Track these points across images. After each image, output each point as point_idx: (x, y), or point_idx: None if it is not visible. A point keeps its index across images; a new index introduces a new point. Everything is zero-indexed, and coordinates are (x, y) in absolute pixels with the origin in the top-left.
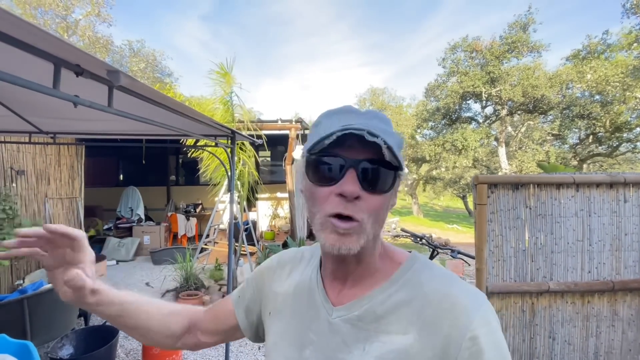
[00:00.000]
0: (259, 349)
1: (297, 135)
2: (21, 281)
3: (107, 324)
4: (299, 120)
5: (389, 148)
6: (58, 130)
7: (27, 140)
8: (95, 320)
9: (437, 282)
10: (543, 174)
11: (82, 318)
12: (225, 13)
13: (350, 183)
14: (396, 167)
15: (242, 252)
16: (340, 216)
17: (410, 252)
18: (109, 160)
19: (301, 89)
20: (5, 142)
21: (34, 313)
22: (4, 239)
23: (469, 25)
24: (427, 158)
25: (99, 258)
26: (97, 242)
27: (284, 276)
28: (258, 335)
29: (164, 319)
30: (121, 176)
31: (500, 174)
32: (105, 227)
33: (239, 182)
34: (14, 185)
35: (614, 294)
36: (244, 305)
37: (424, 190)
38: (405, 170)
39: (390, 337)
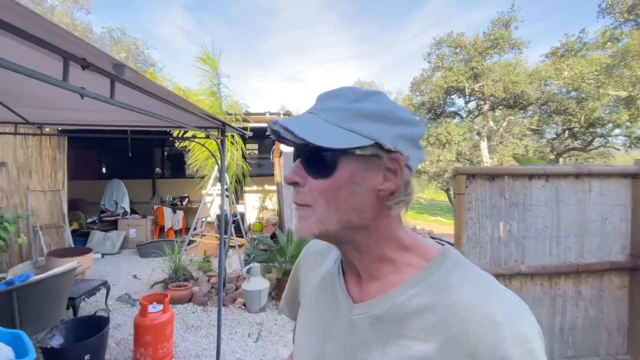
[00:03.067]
0: (249, 335)
1: None
2: (4, 275)
3: (97, 314)
4: (287, 113)
5: (287, 130)
6: (44, 121)
7: (12, 130)
8: (83, 312)
9: (468, 288)
10: (517, 166)
11: (71, 309)
12: (210, 1)
13: (290, 171)
14: (324, 149)
15: (230, 244)
16: (295, 202)
17: (443, 244)
18: (92, 153)
19: (288, 81)
20: None
21: (23, 304)
22: None
23: (457, 19)
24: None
25: (86, 250)
26: (80, 236)
27: (311, 267)
28: None
29: None
30: (104, 169)
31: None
32: (89, 220)
33: (227, 175)
34: None
35: (578, 275)
36: (289, 307)
37: (428, 186)
38: (349, 145)
39: (410, 343)
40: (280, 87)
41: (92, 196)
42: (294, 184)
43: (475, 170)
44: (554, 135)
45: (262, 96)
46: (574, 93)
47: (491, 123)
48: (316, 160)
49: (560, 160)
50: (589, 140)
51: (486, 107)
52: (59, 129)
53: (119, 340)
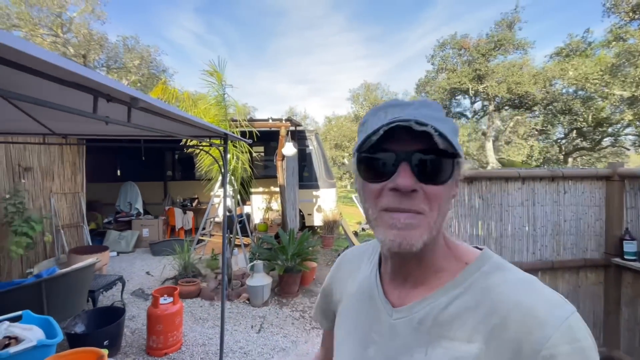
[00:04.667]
0: (252, 327)
1: (287, 133)
2: (31, 269)
3: (114, 305)
4: (289, 119)
5: (441, 135)
6: (68, 132)
7: (41, 140)
8: (100, 305)
9: (509, 287)
10: (494, 170)
11: (91, 301)
12: (220, 4)
13: (404, 176)
14: (453, 154)
15: (236, 244)
16: (397, 210)
17: (481, 249)
18: (108, 157)
19: (296, 82)
20: (19, 142)
21: (50, 295)
22: (15, 231)
23: (466, 17)
24: None
25: (103, 248)
26: (97, 235)
27: (347, 275)
28: None
29: None
30: (119, 172)
31: (488, 168)
32: (105, 220)
33: (232, 177)
34: (23, 181)
35: (554, 272)
36: (323, 315)
37: None
38: (463, 157)
39: (454, 344)
40: (289, 88)
41: (108, 198)
42: (413, 191)
43: None
44: (561, 135)
45: (270, 97)
46: (581, 92)
47: (498, 123)
48: (436, 167)
49: (570, 160)
50: (598, 139)
51: (491, 107)
52: (80, 138)
53: (133, 329)
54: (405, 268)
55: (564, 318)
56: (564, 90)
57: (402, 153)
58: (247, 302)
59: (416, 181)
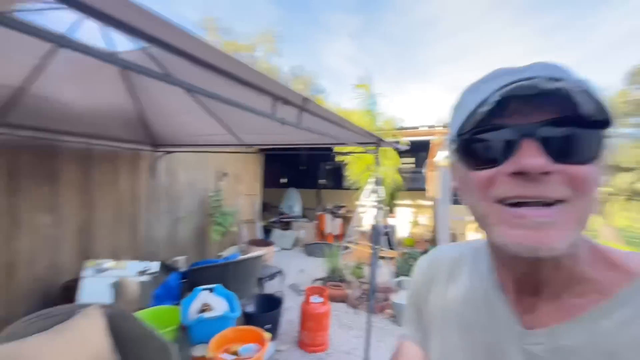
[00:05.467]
0: None
1: (442, 141)
2: (221, 253)
3: (275, 294)
4: (445, 126)
5: (585, 91)
6: (252, 143)
7: (233, 150)
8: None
9: None
10: None
11: (258, 287)
12: (372, 26)
13: (530, 155)
14: (601, 123)
15: (381, 256)
16: (521, 204)
17: None
18: (276, 166)
19: (449, 90)
20: (219, 152)
21: (235, 275)
22: (215, 222)
23: None
24: (628, 165)
25: (269, 243)
26: (265, 232)
27: (444, 278)
28: None
29: None
30: (284, 179)
31: None
32: (272, 220)
33: (381, 187)
34: (222, 183)
35: None
36: (416, 327)
37: (625, 209)
38: (615, 127)
39: None
40: (440, 97)
41: (275, 200)
42: (545, 174)
43: None
44: None
45: (420, 108)
46: None
47: None
48: (578, 140)
49: None
50: None
51: None
52: (260, 148)
53: (288, 320)
54: (536, 275)
55: None
56: None
57: (525, 126)
58: (391, 318)
59: (549, 161)
